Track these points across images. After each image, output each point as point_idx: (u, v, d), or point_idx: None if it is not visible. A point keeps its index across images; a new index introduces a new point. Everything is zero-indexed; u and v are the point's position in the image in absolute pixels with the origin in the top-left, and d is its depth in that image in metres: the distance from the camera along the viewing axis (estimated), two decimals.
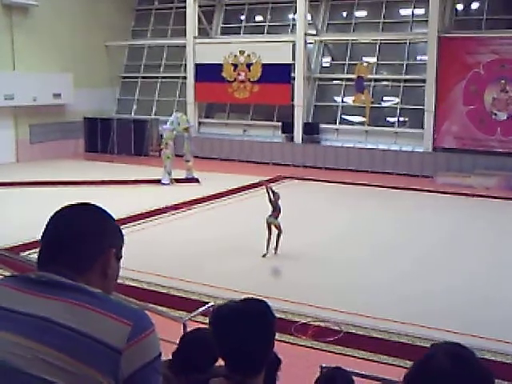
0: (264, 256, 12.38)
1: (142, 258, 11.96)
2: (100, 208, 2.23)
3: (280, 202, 12.60)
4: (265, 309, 2.65)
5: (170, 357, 4.12)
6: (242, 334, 2.52)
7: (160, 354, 2.03)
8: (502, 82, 22.20)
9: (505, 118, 22.29)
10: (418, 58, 25.13)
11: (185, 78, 28.38)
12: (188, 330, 6.36)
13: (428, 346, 2.22)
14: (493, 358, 7.82)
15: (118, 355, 1.91)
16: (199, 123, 28.38)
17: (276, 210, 12.49)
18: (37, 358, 1.91)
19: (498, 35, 22.63)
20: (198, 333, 4.35)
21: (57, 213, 2.19)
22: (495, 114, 22.43)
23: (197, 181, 20.97)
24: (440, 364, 2.00)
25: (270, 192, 12.72)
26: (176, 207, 16.83)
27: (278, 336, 7.87)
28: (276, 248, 12.52)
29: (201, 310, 7.40)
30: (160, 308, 8.68)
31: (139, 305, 7.42)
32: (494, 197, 19.44)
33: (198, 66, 27.61)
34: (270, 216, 12.50)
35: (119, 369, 1.91)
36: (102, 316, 1.95)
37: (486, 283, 11.18)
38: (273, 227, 12.42)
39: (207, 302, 8.63)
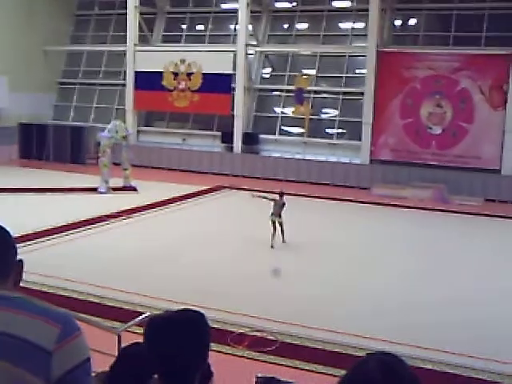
0: (272, 247, 14.01)
1: (75, 267, 11.73)
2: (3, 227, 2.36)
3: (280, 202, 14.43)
4: (199, 319, 2.62)
5: (108, 369, 4.00)
6: (175, 345, 2.47)
7: (89, 358, 2.12)
8: (437, 97, 22.78)
9: (439, 131, 22.89)
10: (357, 71, 25.56)
11: (124, 85, 28.08)
12: (123, 340, 6.26)
13: (362, 355, 2.23)
14: (424, 366, 7.95)
15: (49, 356, 1.99)
16: (138, 131, 28.10)
17: (277, 209, 14.28)
18: None
19: (434, 51, 23.28)
20: (137, 346, 4.26)
21: None
22: (430, 128, 23.01)
23: (134, 189, 20.71)
24: (370, 373, 2.00)
25: (263, 198, 14.80)
26: (112, 216, 16.55)
27: (214, 346, 7.83)
28: (283, 238, 14.28)
29: (136, 320, 7.26)
30: (93, 319, 8.49)
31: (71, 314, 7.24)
32: (427, 208, 19.88)
33: (137, 74, 27.36)
34: (272, 215, 14.23)
35: (50, 369, 1.98)
36: (31, 319, 2.04)
37: (416, 290, 11.36)
38: (277, 224, 14.15)
39: (143, 313, 8.47)
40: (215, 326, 8.65)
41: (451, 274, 12.77)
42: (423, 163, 22.88)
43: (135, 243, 14.06)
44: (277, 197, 14.66)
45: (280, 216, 14.27)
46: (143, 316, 7.41)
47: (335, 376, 7.46)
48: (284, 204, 14.46)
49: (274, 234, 14.11)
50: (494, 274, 12.90)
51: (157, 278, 11.50)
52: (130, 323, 7.20)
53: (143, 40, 28.13)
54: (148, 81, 26.98)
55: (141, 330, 2.75)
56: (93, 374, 2.36)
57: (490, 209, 20.20)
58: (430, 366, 8.05)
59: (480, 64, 22.38)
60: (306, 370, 7.91)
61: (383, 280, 12.10)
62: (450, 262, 13.70)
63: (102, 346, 6.69)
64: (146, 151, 26.57)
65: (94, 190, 20.23)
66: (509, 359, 8.40)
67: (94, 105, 29.51)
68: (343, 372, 2.10)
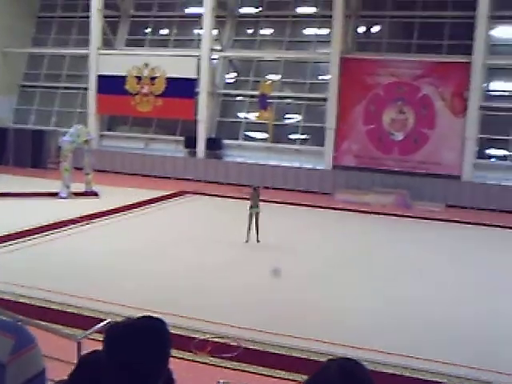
0: (246, 242, 14.81)
1: (34, 273, 11.53)
2: None
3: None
4: (160, 326, 2.57)
5: (66, 377, 3.90)
6: (135, 353, 2.43)
7: (44, 370, 2.09)
8: (399, 103, 23.03)
9: (401, 138, 23.14)
10: (321, 77, 25.69)
11: (86, 89, 27.77)
12: (83, 348, 6.14)
13: (324, 360, 2.23)
14: (384, 370, 7.99)
15: (2, 369, 1.94)
16: (100, 136, 27.80)
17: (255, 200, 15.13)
18: None
19: (397, 58, 23.53)
20: (96, 354, 4.17)
21: None
22: (393, 134, 23.24)
23: (96, 195, 20.45)
24: (331, 378, 2.03)
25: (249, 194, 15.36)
26: (73, 221, 16.30)
27: (176, 353, 7.76)
28: (257, 237, 14.90)
29: (97, 327, 7.13)
30: (53, 326, 8.33)
31: (29, 322, 7.09)
32: (390, 214, 20.06)
33: (100, 78, 27.09)
34: (251, 207, 14.99)
35: (4, 382, 1.94)
36: None
37: (377, 295, 11.42)
38: (253, 218, 14.90)
39: (104, 319, 8.34)
40: (177, 333, 8.57)
41: (413, 278, 12.87)
42: (386, 169, 23.10)
43: (96, 249, 13.87)
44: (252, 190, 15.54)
45: (258, 206, 15.12)
46: (104, 323, 7.28)
47: (298, 382, 7.45)
48: (259, 195, 15.44)
49: (249, 228, 14.88)
50: (454, 280, 13.04)
51: (118, 284, 11.35)
52: (90, 330, 7.06)
53: (106, 43, 27.88)
54: (111, 85, 26.73)
55: (101, 338, 2.68)
56: None
57: (451, 214, 20.46)
58: (389, 370, 8.09)
59: (441, 71, 22.70)
60: (269, 376, 7.87)
61: (347, 286, 12.13)
62: (411, 267, 13.81)
63: (61, 354, 6.57)
64: (109, 156, 26.31)
65: (55, 194, 19.91)
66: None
67: (56, 108, 29.14)
68: (305, 378, 2.10)
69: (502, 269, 14.15)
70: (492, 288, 12.50)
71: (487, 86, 23.50)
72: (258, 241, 14.96)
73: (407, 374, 8.08)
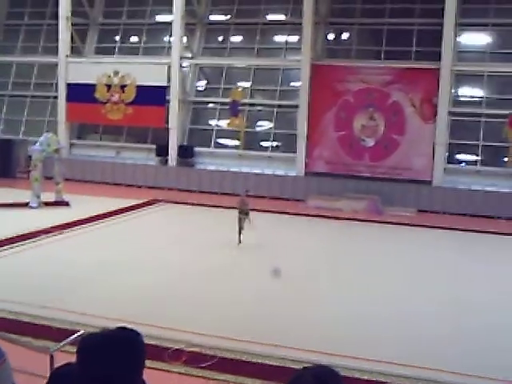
0: (239, 244, 15.39)
1: (3, 285, 11.33)
2: None
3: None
4: (134, 337, 2.54)
5: None
6: (108, 365, 2.40)
7: None
8: (370, 109, 23.20)
9: (372, 144, 23.30)
10: (292, 84, 25.78)
11: (56, 97, 27.51)
12: (56, 361, 6.03)
13: (300, 367, 2.24)
14: (361, 377, 8.01)
15: None
16: (71, 144, 27.56)
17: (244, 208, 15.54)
18: None
19: (366, 65, 23.71)
20: (69, 366, 4.09)
21: None
22: (363, 141, 23.40)
23: (67, 204, 20.22)
24: None
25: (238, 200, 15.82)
26: (44, 231, 16.08)
27: (150, 363, 7.66)
28: (239, 239, 15.44)
29: (70, 339, 7.02)
30: (24, 339, 8.19)
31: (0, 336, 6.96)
32: (362, 220, 20.16)
33: (70, 86, 26.86)
34: (240, 212, 15.39)
35: None
36: None
37: (348, 302, 11.45)
38: (242, 221, 15.37)
39: (77, 331, 8.21)
40: (152, 343, 8.48)
41: (386, 283, 12.93)
42: (357, 175, 23.23)
43: (68, 259, 13.69)
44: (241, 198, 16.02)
45: (247, 214, 15.48)
46: (77, 335, 7.17)
47: None
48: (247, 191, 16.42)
49: (240, 232, 15.42)
50: (429, 283, 13.13)
51: (91, 294, 11.21)
52: (63, 342, 6.94)
53: (75, 51, 27.67)
54: (81, 93, 26.52)
55: (75, 350, 2.63)
56: None
57: (423, 219, 20.63)
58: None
59: (410, 78, 22.94)
60: None
61: (319, 292, 12.14)
62: (384, 272, 13.88)
63: (34, 368, 6.47)
64: (79, 164, 26.08)
65: (25, 204, 19.65)
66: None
67: (25, 117, 28.81)
68: None
69: (472, 271, 14.28)
70: (462, 289, 12.61)
71: (455, 91, 23.81)
72: (239, 242, 15.47)
73: (378, 379, 8.10)
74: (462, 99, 24.05)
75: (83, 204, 20.31)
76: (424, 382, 8.09)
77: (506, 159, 22.27)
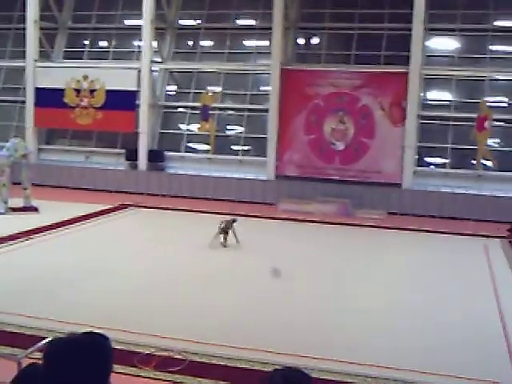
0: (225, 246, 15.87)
1: None
2: None
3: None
4: (102, 342, 2.52)
5: None
6: (75, 370, 2.37)
7: None
8: (340, 113, 23.34)
9: (342, 147, 23.42)
10: (262, 88, 25.83)
11: (24, 102, 27.19)
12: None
13: (270, 370, 2.24)
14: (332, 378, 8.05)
15: None
16: (39, 149, 27.24)
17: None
18: None
19: (336, 69, 23.86)
20: (31, 368, 4.03)
21: None
22: (334, 144, 23.51)
23: (35, 210, 19.97)
24: None
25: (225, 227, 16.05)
26: (11, 238, 15.85)
27: (120, 368, 7.62)
28: (223, 241, 15.95)
29: (38, 345, 6.93)
30: None
31: None
32: (333, 223, 20.25)
33: (38, 90, 26.56)
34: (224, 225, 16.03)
35: None
36: None
37: (320, 302, 11.50)
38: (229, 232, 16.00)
39: (45, 337, 8.11)
40: (121, 348, 8.42)
41: (358, 286, 13.01)
42: (328, 178, 23.33)
43: (36, 265, 13.53)
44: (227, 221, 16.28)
45: (227, 233, 16.00)
46: (45, 341, 7.08)
47: None
48: (234, 220, 16.27)
49: (224, 237, 15.90)
50: (399, 286, 13.24)
51: (60, 300, 11.09)
52: (31, 349, 6.85)
53: (44, 56, 27.38)
54: (49, 97, 26.23)
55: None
56: None
57: (393, 221, 20.79)
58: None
59: (380, 82, 23.12)
60: None
61: (290, 293, 12.15)
62: (355, 275, 13.97)
63: (1, 376, 6.35)
64: (48, 170, 25.80)
65: None
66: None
67: None
68: None
69: (442, 272, 14.43)
70: (432, 289, 12.74)
71: (424, 95, 24.07)
72: (223, 244, 15.93)
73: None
74: (430, 103, 24.31)
75: (52, 209, 20.09)
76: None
77: (474, 162, 22.55)
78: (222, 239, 15.87)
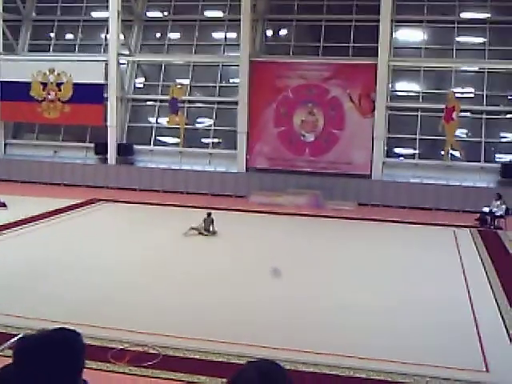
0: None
1: None
2: None
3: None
4: (73, 337, 2.48)
5: None
6: (45, 365, 2.34)
7: None
8: (310, 105, 23.37)
9: (312, 139, 23.49)
10: (231, 80, 25.75)
11: None
12: None
13: (244, 363, 2.25)
14: (305, 369, 8.07)
15: None
16: (5, 144, 26.86)
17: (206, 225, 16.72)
18: None
19: (305, 61, 23.89)
20: (6, 369, 3.94)
21: None
22: (304, 136, 23.56)
23: (4, 205, 19.68)
24: (248, 379, 2.10)
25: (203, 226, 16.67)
26: None
27: (94, 364, 7.53)
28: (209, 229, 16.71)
29: (9, 343, 6.80)
30: None
31: None
32: (304, 214, 20.30)
33: (3, 84, 26.13)
34: (196, 229, 16.54)
35: None
36: None
37: (300, 294, 11.52)
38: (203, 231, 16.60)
39: (17, 334, 7.99)
40: (94, 344, 8.35)
41: (332, 278, 13.07)
42: (298, 170, 23.37)
43: (7, 261, 13.34)
44: (204, 217, 16.78)
45: (209, 231, 16.63)
46: (16, 338, 6.97)
47: None
48: (212, 220, 16.76)
49: (195, 229, 16.49)
50: (365, 274, 13.33)
51: (32, 295, 10.95)
52: (1, 346, 6.74)
53: (8, 48, 26.95)
54: (15, 91, 25.82)
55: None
56: None
57: (363, 212, 20.91)
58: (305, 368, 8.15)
59: (349, 73, 23.20)
60: (190, 382, 7.78)
61: (264, 286, 12.15)
62: (327, 266, 14.03)
63: None
64: (15, 165, 25.43)
65: None
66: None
67: None
68: (224, 381, 2.12)
69: (413, 262, 14.56)
70: (406, 279, 12.85)
71: (393, 86, 24.23)
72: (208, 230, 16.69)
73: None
74: (399, 94, 24.51)
75: (21, 205, 19.80)
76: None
77: (442, 152, 22.78)
78: (206, 232, 16.63)
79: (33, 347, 2.39)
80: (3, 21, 26.37)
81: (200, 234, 16.50)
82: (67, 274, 12.49)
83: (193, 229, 16.48)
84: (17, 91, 25.78)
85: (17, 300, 10.69)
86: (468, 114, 23.42)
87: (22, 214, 18.08)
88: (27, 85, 25.84)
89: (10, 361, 2.74)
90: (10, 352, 5.87)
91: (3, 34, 26.54)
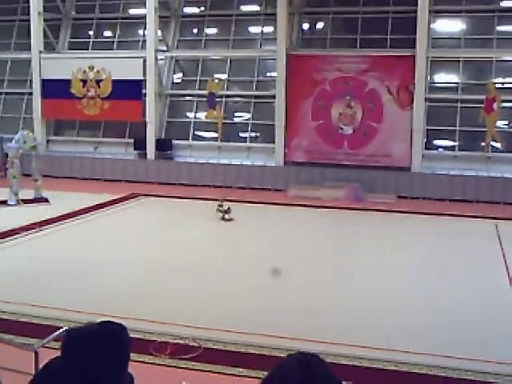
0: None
1: None
2: None
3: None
4: (120, 331, 2.53)
5: None
6: (94, 358, 2.38)
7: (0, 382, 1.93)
8: (347, 98, 23.25)
9: (350, 132, 23.36)
10: (268, 74, 25.75)
11: (31, 93, 27.24)
12: (41, 357, 6.00)
13: (285, 355, 2.28)
14: (337, 362, 8.08)
15: None
16: (47, 141, 27.33)
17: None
18: None
19: (342, 53, 23.75)
20: (52, 364, 4.05)
21: None
22: (342, 129, 23.45)
23: (46, 201, 20.07)
24: (290, 371, 2.12)
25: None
26: (23, 229, 15.92)
27: (135, 357, 7.64)
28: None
29: (54, 335, 6.97)
30: (6, 336, 8.13)
31: None
32: (343, 207, 20.24)
33: (44, 82, 26.59)
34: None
35: None
36: None
37: (330, 289, 11.52)
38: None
39: (61, 327, 8.16)
40: (136, 336, 8.47)
41: (375, 271, 13.03)
42: (336, 163, 23.28)
43: (48, 256, 13.61)
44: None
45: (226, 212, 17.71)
46: (61, 331, 7.13)
47: (258, 378, 7.44)
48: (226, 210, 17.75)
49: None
50: (411, 270, 13.25)
51: (72, 291, 11.15)
52: (47, 339, 6.90)
53: (49, 47, 27.39)
54: (56, 89, 26.26)
55: (59, 346, 2.61)
56: None
57: (403, 205, 20.74)
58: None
59: (386, 65, 23.00)
60: (231, 374, 7.85)
61: (306, 279, 12.18)
62: (370, 260, 13.98)
63: (18, 365, 6.43)
64: (57, 161, 25.87)
65: (3, 203, 19.48)
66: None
67: (0, 114, 28.48)
68: (266, 374, 2.15)
69: (456, 255, 14.42)
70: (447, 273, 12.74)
71: (431, 78, 23.94)
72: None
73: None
74: (438, 85, 24.20)
75: (63, 200, 20.16)
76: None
77: (483, 144, 22.46)
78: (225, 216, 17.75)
79: (80, 340, 2.43)
80: (44, 20, 26.79)
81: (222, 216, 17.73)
82: (108, 269, 12.65)
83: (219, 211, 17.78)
84: (58, 89, 26.21)
85: (58, 294, 10.89)
86: (509, 104, 23.01)
87: (63, 210, 18.40)
88: (68, 82, 26.23)
89: (55, 352, 2.83)
90: (53, 344, 6.05)
91: (44, 33, 26.98)
